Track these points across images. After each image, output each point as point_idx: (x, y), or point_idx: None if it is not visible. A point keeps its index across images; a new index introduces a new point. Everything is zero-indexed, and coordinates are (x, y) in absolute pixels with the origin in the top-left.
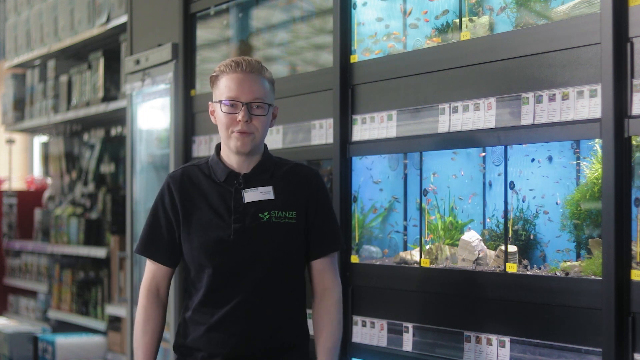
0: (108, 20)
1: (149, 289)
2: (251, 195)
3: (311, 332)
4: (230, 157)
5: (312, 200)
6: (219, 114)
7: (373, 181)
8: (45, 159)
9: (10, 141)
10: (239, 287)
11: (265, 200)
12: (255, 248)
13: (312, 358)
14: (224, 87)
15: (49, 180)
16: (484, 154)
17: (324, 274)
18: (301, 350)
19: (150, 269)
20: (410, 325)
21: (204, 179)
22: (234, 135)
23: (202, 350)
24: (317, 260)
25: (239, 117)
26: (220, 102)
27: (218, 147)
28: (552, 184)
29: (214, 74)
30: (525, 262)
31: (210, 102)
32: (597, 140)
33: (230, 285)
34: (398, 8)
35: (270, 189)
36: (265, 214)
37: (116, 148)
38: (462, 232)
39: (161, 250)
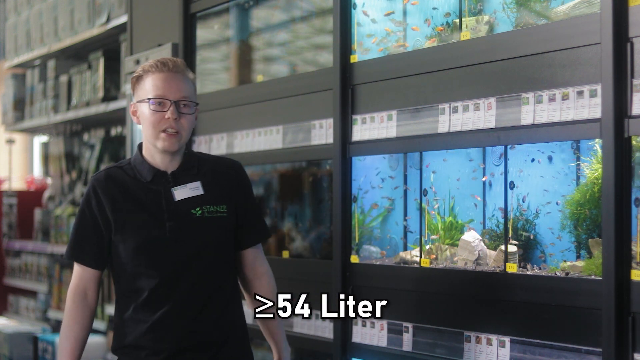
0: (108, 20)
1: (76, 292)
2: (181, 192)
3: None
4: (154, 157)
5: (240, 190)
6: (144, 113)
7: (372, 186)
8: (45, 159)
9: (10, 141)
10: (179, 284)
11: (196, 196)
12: (192, 244)
13: (250, 351)
14: (151, 86)
15: (49, 180)
16: (483, 164)
17: (256, 262)
18: (243, 343)
19: (77, 272)
20: (410, 325)
21: (129, 180)
22: (162, 135)
23: (145, 348)
24: (248, 249)
25: (168, 114)
26: (148, 100)
27: (140, 146)
28: (551, 184)
29: (136, 74)
30: (528, 266)
31: (131, 103)
32: (597, 140)
33: (171, 283)
34: (397, 8)
35: (198, 184)
36: (197, 209)
37: (116, 148)
38: (462, 232)
39: (89, 253)
